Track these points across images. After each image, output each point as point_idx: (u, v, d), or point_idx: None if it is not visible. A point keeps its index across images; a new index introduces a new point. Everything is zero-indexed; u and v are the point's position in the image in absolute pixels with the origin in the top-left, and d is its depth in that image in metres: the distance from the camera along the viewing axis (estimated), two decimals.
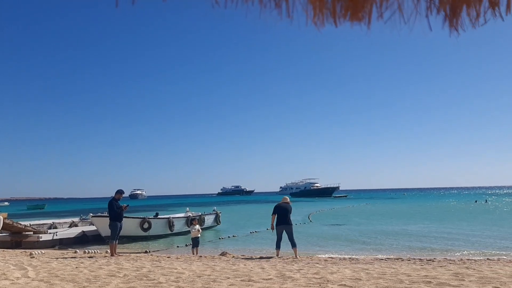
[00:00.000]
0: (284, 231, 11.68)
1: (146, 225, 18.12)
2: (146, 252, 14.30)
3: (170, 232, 19.39)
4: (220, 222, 23.88)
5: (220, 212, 24.32)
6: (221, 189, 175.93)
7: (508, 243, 15.48)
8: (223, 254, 12.54)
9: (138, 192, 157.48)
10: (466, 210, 40.83)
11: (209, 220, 23.01)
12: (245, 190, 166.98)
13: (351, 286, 6.38)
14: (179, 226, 20.00)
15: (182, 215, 22.32)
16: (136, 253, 13.87)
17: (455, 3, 1.07)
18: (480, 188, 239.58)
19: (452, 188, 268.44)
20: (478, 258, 11.42)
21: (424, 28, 1.05)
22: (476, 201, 58.88)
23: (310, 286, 6.47)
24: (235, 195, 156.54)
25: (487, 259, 11.04)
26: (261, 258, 11.37)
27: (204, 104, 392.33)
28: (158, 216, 20.53)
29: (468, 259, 10.89)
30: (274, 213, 11.92)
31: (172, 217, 20.23)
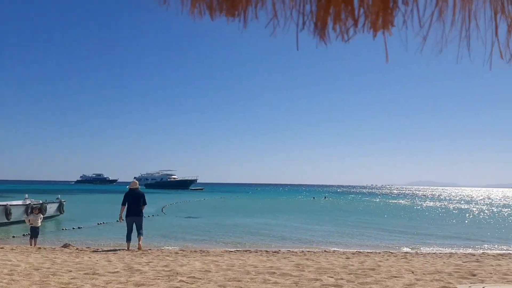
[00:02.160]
0: (134, 222, 11.32)
1: None
2: None
3: (6, 220, 17.43)
4: (63, 211, 22.19)
5: (65, 201, 22.57)
6: (81, 177, 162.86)
7: (338, 236, 17.31)
8: (65, 246, 11.71)
9: None
10: (304, 205, 44.75)
11: (51, 208, 21.18)
12: (107, 178, 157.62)
13: (200, 278, 6.48)
14: (17, 215, 18.04)
15: (20, 202, 20.14)
16: None
17: (323, 16, 1.14)
18: (328, 186, 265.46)
19: (301, 185, 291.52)
20: (316, 250, 12.55)
21: (297, 36, 1.10)
22: (314, 198, 64.66)
23: (158, 278, 6.40)
24: (96, 183, 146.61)
25: (324, 251, 12.20)
26: (108, 250, 10.88)
27: (62, 89, 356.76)
28: None
29: (308, 251, 11.91)
30: (123, 203, 11.44)
31: (10, 205, 18.17)
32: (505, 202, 61.08)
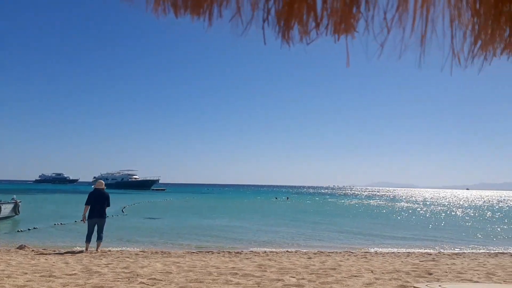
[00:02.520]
0: (96, 224, 11.06)
1: None
2: None
3: None
4: (19, 212, 21.35)
5: (20, 201, 21.73)
6: (40, 176, 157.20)
7: (300, 237, 17.47)
8: (20, 247, 11.30)
9: None
10: (267, 205, 44.84)
11: (6, 209, 20.33)
12: (68, 178, 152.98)
13: (161, 280, 6.39)
14: None
15: None
16: None
17: (287, 17, 1.15)
18: (291, 187, 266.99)
19: (264, 186, 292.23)
20: (279, 250, 12.63)
21: (261, 36, 1.10)
22: (276, 198, 65.01)
23: (118, 280, 6.27)
24: (56, 183, 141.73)
25: (286, 251, 12.30)
26: (65, 252, 10.57)
27: (20, 88, 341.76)
28: None
29: (271, 252, 11.98)
30: (87, 202, 11.15)
31: None
32: (458, 203, 63.63)
